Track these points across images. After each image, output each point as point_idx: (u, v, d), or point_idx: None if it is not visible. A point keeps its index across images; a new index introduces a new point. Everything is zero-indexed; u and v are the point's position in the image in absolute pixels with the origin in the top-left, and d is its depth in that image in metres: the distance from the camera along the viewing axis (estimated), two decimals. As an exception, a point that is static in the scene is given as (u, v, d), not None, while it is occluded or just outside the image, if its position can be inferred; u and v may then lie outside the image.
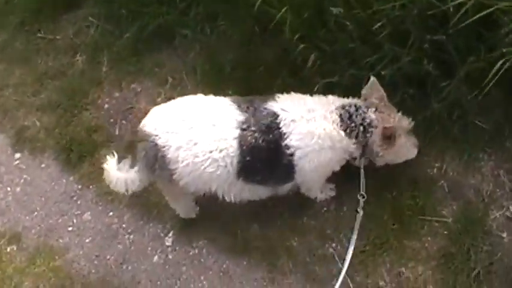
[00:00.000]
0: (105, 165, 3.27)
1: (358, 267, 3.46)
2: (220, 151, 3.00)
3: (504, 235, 3.33)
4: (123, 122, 4.27)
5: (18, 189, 4.23)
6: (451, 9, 3.05)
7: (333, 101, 3.15)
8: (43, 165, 4.29)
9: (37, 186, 4.21)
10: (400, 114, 3.17)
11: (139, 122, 3.33)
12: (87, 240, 3.93)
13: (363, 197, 3.20)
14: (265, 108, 3.08)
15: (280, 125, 3.02)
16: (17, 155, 4.36)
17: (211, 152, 3.01)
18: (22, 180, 4.23)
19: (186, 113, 3.10)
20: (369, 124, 3.08)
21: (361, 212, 3.17)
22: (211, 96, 3.22)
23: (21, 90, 4.61)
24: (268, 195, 3.29)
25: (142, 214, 3.91)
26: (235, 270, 3.60)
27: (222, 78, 3.98)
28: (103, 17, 4.64)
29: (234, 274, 3.59)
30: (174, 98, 3.79)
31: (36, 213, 4.08)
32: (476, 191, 3.52)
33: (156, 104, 3.88)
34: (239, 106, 3.07)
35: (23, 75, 4.68)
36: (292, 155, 3.04)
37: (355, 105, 3.11)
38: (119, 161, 3.28)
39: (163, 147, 3.04)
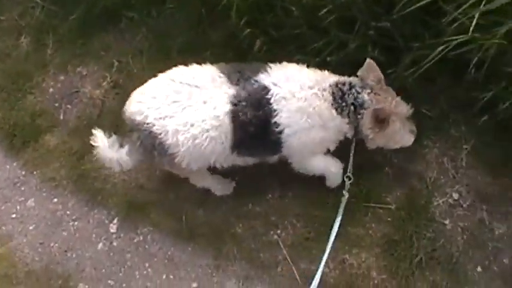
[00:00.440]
0: (95, 143, 3.18)
1: (302, 253, 3.47)
2: (216, 129, 2.94)
3: (447, 222, 3.38)
4: (68, 106, 4.16)
5: (-41, 175, 3.97)
6: (396, -4, 2.92)
7: (328, 78, 3.06)
8: (-15, 151, 4.01)
9: (-21, 172, 3.95)
10: (398, 98, 3.08)
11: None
12: (30, 228, 3.86)
13: (349, 179, 3.13)
14: (256, 81, 2.99)
15: (271, 101, 2.95)
16: (-41, 140, 4.08)
17: (207, 131, 2.94)
18: (-37, 166, 3.97)
19: (173, 91, 3.00)
20: (361, 105, 3.01)
21: (346, 195, 3.11)
22: (195, 66, 3.12)
23: (-37, 72, 4.36)
24: (257, 162, 3.25)
25: (87, 200, 3.84)
26: (180, 257, 3.58)
27: (169, 62, 3.86)
28: (48, -3, 4.40)
29: (179, 261, 3.57)
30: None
31: (-23, 199, 3.81)
32: (421, 178, 3.56)
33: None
34: (229, 78, 2.98)
35: (-34, 57, 4.43)
36: (281, 132, 2.98)
37: (350, 84, 3.03)
38: (108, 136, 3.22)
39: (160, 134, 2.97)
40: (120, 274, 3.56)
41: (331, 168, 3.32)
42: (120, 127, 3.74)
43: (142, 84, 3.44)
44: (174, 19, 4.14)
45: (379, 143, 3.18)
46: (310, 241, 3.48)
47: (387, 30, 3.33)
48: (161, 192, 3.72)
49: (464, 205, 3.44)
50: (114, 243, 3.68)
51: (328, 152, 3.22)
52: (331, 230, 3.17)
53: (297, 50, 3.65)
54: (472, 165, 3.34)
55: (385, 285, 3.33)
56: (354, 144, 3.14)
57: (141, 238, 3.66)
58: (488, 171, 3.48)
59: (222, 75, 2.99)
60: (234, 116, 2.93)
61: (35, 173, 4.03)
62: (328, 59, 3.49)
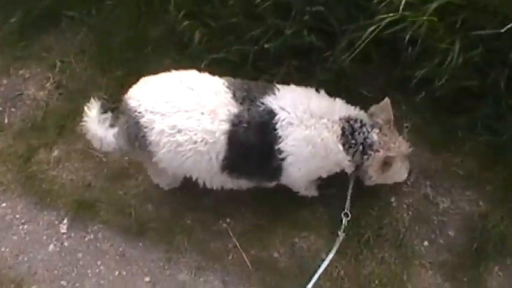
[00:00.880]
0: (85, 115, 3.11)
1: (252, 240, 3.49)
2: (206, 144, 2.82)
3: (392, 199, 3.47)
4: (12, 109, 4.12)
5: None
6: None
7: (339, 109, 2.95)
8: None
9: None
10: (401, 138, 3.06)
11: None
12: (-20, 234, 3.63)
13: (347, 216, 3.10)
14: (263, 104, 2.85)
15: (276, 127, 2.82)
16: None
17: (195, 143, 2.81)
18: None
19: (176, 92, 2.87)
20: (370, 146, 2.93)
21: (342, 235, 3.08)
22: (206, 75, 2.99)
23: None
24: (251, 186, 3.14)
25: (36, 203, 3.80)
26: (131, 253, 3.57)
27: (111, 60, 3.93)
28: (-14, 0, 4.36)
29: (130, 257, 3.56)
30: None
31: None
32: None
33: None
34: (234, 95, 2.84)
35: None
36: (283, 159, 2.87)
37: (361, 121, 2.93)
38: (103, 111, 3.15)
39: (146, 127, 2.86)
40: (73, 274, 3.54)
41: (305, 191, 3.36)
42: (65, 127, 3.69)
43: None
44: (114, 16, 4.13)
45: (377, 182, 3.14)
46: (259, 228, 3.49)
47: (322, 14, 3.37)
48: (109, 189, 3.71)
49: (408, 182, 3.49)
50: (66, 244, 3.66)
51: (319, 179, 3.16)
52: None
53: (236, 40, 3.68)
54: (414, 142, 3.33)
55: (335, 266, 3.37)
56: (352, 181, 3.14)
57: (92, 236, 3.64)
58: (429, 147, 3.55)
59: (228, 90, 2.86)
60: (232, 136, 2.80)
61: (-18, 178, 3.79)
62: (266, 46, 3.45)
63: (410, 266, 3.35)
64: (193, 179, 3.08)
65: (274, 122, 2.81)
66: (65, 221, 3.74)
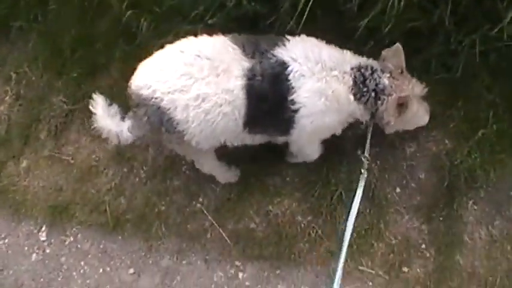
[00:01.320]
0: (93, 109, 3.04)
1: (227, 215, 3.53)
2: (229, 103, 2.76)
3: (359, 152, 3.34)
4: (-29, 127, 4.02)
5: None
6: None
7: (350, 59, 2.92)
8: None
9: None
10: (414, 80, 2.99)
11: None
12: (-39, 255, 3.67)
13: (367, 160, 3.07)
14: (274, 56, 2.80)
15: (289, 77, 2.77)
16: None
17: (221, 106, 2.76)
18: None
19: (183, 63, 2.79)
20: (382, 90, 2.90)
21: (365, 173, 3.02)
22: (205, 37, 2.91)
23: None
24: (265, 141, 3.12)
25: (12, 215, 3.82)
26: (112, 248, 3.60)
27: (64, 62, 3.94)
28: None
29: (112, 252, 3.59)
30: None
31: None
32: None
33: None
34: (244, 50, 2.79)
35: None
36: (296, 111, 2.83)
37: (372, 68, 2.90)
38: (108, 103, 3.08)
39: (169, 109, 2.78)
40: (59, 279, 3.57)
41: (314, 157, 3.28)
42: (29, 136, 3.70)
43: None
44: (60, 18, 4.11)
45: (397, 127, 3.12)
46: (232, 202, 3.53)
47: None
48: (81, 189, 3.75)
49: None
50: (47, 250, 3.69)
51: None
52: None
53: (182, 21, 3.67)
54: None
55: (312, 226, 3.42)
56: (370, 128, 3.08)
57: (72, 239, 3.67)
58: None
59: (235, 46, 2.80)
60: (249, 90, 2.75)
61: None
62: (210, 22, 3.43)
63: (386, 214, 3.37)
64: (222, 143, 3.03)
65: (286, 73, 2.77)
66: (43, 229, 3.74)
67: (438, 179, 3.39)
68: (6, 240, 3.76)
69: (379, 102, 2.92)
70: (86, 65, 3.94)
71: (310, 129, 2.92)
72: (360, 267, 3.32)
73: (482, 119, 3.40)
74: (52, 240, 3.70)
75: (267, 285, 3.30)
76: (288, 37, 2.88)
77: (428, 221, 3.33)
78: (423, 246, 3.33)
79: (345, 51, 2.97)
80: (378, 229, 3.35)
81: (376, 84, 2.89)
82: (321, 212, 3.41)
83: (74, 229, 3.69)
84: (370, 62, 2.95)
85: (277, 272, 3.35)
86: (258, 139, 3.07)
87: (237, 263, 3.41)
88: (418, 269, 3.27)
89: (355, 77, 2.86)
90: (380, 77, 2.90)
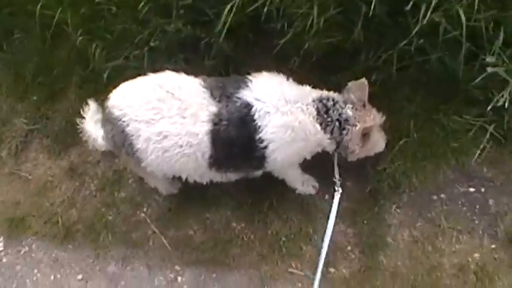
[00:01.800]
0: (84, 114, 3.23)
1: (168, 223, 3.77)
2: (191, 146, 2.92)
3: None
4: None
5: None
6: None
7: (310, 92, 3.02)
8: None
9: None
10: (374, 110, 3.12)
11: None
12: None
13: (338, 186, 3.22)
14: (239, 98, 2.94)
15: (255, 117, 2.90)
16: None
17: (181, 147, 2.91)
18: None
19: (157, 98, 2.94)
20: (346, 121, 3.00)
21: (338, 193, 3.25)
22: (183, 76, 3.07)
23: None
24: (240, 177, 3.26)
25: (-28, 229, 3.90)
26: (63, 256, 3.82)
27: (27, 87, 4.25)
28: None
29: (63, 260, 3.81)
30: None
31: None
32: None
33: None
34: (212, 94, 2.93)
35: None
36: (265, 147, 2.94)
37: (333, 99, 3.01)
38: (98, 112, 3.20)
39: (132, 136, 2.95)
40: (13, 286, 3.77)
41: (299, 186, 3.55)
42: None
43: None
44: (23, 47, 4.42)
45: (360, 155, 3.22)
46: (173, 211, 3.78)
47: (192, 6, 3.66)
48: (37, 203, 4.00)
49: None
50: (4, 260, 3.90)
51: (304, 160, 3.26)
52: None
53: (130, 46, 3.97)
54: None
55: (245, 232, 3.65)
56: (336, 157, 3.21)
57: (27, 249, 3.89)
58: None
59: (205, 90, 2.95)
60: (214, 135, 2.90)
61: None
62: (152, 44, 3.79)
63: (315, 220, 3.58)
64: (184, 179, 3.21)
65: (252, 113, 2.89)
66: (0, 239, 3.97)
67: (363, 186, 3.59)
68: (-33, 252, 3.86)
69: (344, 132, 3.02)
70: (45, 89, 4.25)
71: (281, 159, 3.05)
72: (290, 270, 3.51)
73: (405, 129, 3.60)
74: (9, 251, 3.93)
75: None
76: (251, 77, 3.04)
77: (354, 224, 3.51)
78: (349, 248, 3.51)
79: (304, 86, 3.11)
80: (306, 232, 3.55)
81: (340, 114, 3.00)
82: (254, 219, 3.63)
83: (29, 239, 3.92)
84: (331, 94, 3.07)
85: (213, 275, 3.55)
86: (231, 176, 3.25)
87: (176, 267, 3.62)
88: (343, 270, 3.46)
89: (318, 107, 2.98)
90: (343, 108, 3.02)
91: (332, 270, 3.47)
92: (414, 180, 3.59)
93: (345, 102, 3.03)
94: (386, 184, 3.58)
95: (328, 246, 3.15)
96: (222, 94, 2.94)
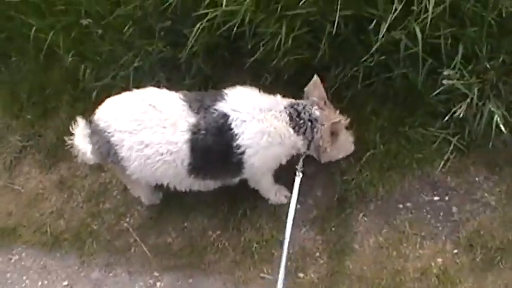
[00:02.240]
0: (73, 131, 3.40)
1: (149, 231, 4.00)
2: (171, 154, 3.12)
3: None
4: None
5: None
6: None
7: (281, 101, 3.25)
8: None
9: None
10: (337, 111, 3.33)
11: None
12: None
13: (299, 171, 3.37)
14: (216, 110, 3.15)
15: (232, 126, 3.10)
16: None
17: (162, 154, 3.12)
18: None
19: (140, 111, 3.17)
20: (316, 120, 3.20)
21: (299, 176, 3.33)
22: (164, 91, 3.30)
23: None
24: (219, 186, 3.47)
25: (-34, 238, 4.13)
26: (51, 264, 4.04)
27: (21, 106, 4.55)
28: None
29: (50, 267, 4.02)
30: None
31: None
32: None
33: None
34: (190, 106, 3.14)
35: None
36: (242, 153, 3.12)
37: (302, 104, 3.22)
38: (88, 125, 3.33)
39: (116, 145, 3.17)
40: (3, 292, 3.85)
41: (272, 195, 3.73)
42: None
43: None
44: (19, 69, 4.72)
45: (331, 155, 3.41)
46: (154, 220, 4.01)
47: (172, 28, 3.93)
48: (28, 214, 4.26)
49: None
50: (-5, 269, 3.97)
51: (277, 172, 3.48)
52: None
53: (116, 67, 4.25)
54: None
55: (220, 239, 3.83)
56: (304, 155, 3.39)
57: (17, 257, 4.12)
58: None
59: (184, 103, 3.16)
60: (193, 144, 3.11)
61: None
62: (136, 65, 4.11)
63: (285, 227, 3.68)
64: (164, 186, 3.41)
65: (228, 123, 3.09)
66: (-8, 250, 4.06)
67: (332, 195, 3.77)
68: (-40, 261, 4.07)
69: (315, 130, 3.23)
70: (39, 108, 4.55)
71: (258, 164, 3.23)
72: (261, 275, 3.66)
73: (372, 141, 3.79)
74: (0, 259, 4.15)
75: (181, 292, 3.54)
76: (226, 91, 3.27)
77: (322, 231, 3.67)
78: (317, 254, 3.66)
79: (275, 95, 3.33)
80: (276, 239, 3.71)
81: (310, 115, 3.21)
82: (228, 227, 3.82)
83: (20, 248, 4.15)
84: (299, 101, 3.29)
85: (190, 280, 3.72)
86: (209, 184, 3.46)
87: (155, 273, 3.81)
88: (312, 275, 3.58)
89: (290, 113, 3.20)
90: (311, 109, 3.22)
91: (301, 275, 3.60)
92: (380, 189, 3.73)
93: (312, 105, 3.23)
94: (354, 193, 3.73)
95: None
96: (200, 106, 3.15)
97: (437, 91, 3.42)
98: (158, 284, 3.77)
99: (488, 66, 3.37)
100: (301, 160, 3.35)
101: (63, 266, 3.98)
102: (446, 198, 3.70)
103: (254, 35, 3.66)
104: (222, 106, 3.15)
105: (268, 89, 3.51)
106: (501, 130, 3.31)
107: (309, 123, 3.22)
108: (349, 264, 3.57)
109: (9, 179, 4.23)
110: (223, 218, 3.84)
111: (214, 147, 3.12)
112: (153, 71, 4.07)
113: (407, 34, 3.29)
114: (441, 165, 3.73)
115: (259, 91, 3.32)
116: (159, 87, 3.58)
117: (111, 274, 3.88)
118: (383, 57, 3.53)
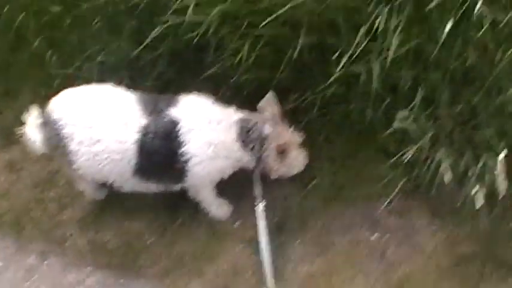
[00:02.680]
0: (26, 119, 3.36)
1: (89, 226, 4.02)
2: (119, 153, 3.15)
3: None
4: None
5: None
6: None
7: (234, 113, 3.26)
8: None
9: None
10: (291, 129, 3.33)
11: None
12: None
13: (260, 200, 3.45)
14: (168, 115, 3.19)
15: (179, 133, 3.14)
16: None
17: (110, 152, 3.14)
18: None
19: (93, 106, 3.20)
20: (264, 139, 3.19)
21: (261, 222, 3.44)
22: (121, 90, 3.33)
23: None
24: (160, 190, 3.48)
25: None
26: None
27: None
28: None
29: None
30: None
31: None
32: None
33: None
34: (144, 108, 3.19)
35: None
36: (187, 161, 3.16)
37: (254, 120, 3.23)
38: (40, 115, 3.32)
39: (66, 138, 3.16)
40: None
41: (213, 209, 3.75)
42: None
43: None
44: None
45: (281, 172, 3.41)
46: (94, 215, 4.02)
47: (140, 28, 3.95)
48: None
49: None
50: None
51: (220, 184, 3.51)
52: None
53: (82, 58, 4.27)
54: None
55: (155, 245, 3.88)
56: (258, 173, 3.44)
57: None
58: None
59: (138, 104, 3.20)
60: (141, 145, 3.15)
61: None
62: (99, 59, 4.13)
63: (220, 243, 3.79)
64: (109, 183, 3.43)
65: (177, 129, 3.14)
66: None
67: (272, 219, 3.75)
68: None
69: (263, 148, 3.22)
70: (1, 86, 4.61)
71: (202, 174, 3.27)
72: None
73: (320, 170, 3.85)
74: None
75: (111, 291, 3.57)
76: (181, 97, 3.29)
77: (258, 253, 3.63)
78: (249, 273, 3.71)
79: (229, 107, 3.34)
80: (210, 255, 3.78)
81: (260, 133, 3.19)
82: (165, 234, 3.87)
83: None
84: (252, 115, 3.30)
85: (121, 280, 3.74)
86: (151, 187, 3.45)
87: (88, 268, 3.83)
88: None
89: (240, 127, 3.21)
90: (262, 127, 3.21)
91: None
92: (321, 219, 3.78)
93: (264, 122, 3.22)
94: (294, 220, 3.77)
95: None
96: (153, 109, 3.19)
97: (388, 131, 3.37)
98: (89, 279, 3.80)
99: (446, 113, 3.35)
100: (256, 184, 3.43)
101: (1, 247, 3.91)
102: (385, 238, 3.71)
103: (217, 47, 3.69)
104: (173, 112, 3.18)
105: (227, 100, 3.56)
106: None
107: (258, 142, 3.20)
108: (277, 289, 3.41)
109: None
110: (161, 225, 3.85)
111: (160, 151, 3.16)
112: (118, 68, 4.05)
113: (368, 70, 3.28)
114: (385, 204, 3.74)
115: (214, 101, 3.31)
116: (120, 84, 3.58)
117: (45, 262, 3.90)
118: (342, 88, 3.53)
